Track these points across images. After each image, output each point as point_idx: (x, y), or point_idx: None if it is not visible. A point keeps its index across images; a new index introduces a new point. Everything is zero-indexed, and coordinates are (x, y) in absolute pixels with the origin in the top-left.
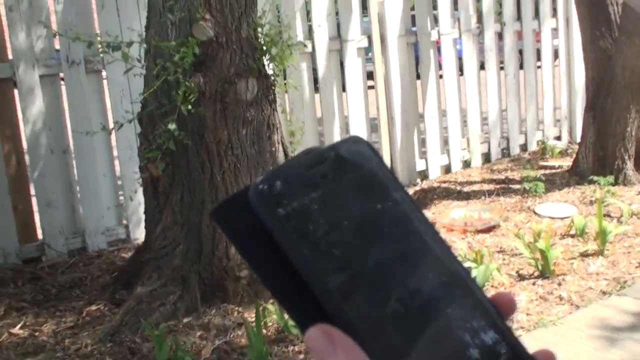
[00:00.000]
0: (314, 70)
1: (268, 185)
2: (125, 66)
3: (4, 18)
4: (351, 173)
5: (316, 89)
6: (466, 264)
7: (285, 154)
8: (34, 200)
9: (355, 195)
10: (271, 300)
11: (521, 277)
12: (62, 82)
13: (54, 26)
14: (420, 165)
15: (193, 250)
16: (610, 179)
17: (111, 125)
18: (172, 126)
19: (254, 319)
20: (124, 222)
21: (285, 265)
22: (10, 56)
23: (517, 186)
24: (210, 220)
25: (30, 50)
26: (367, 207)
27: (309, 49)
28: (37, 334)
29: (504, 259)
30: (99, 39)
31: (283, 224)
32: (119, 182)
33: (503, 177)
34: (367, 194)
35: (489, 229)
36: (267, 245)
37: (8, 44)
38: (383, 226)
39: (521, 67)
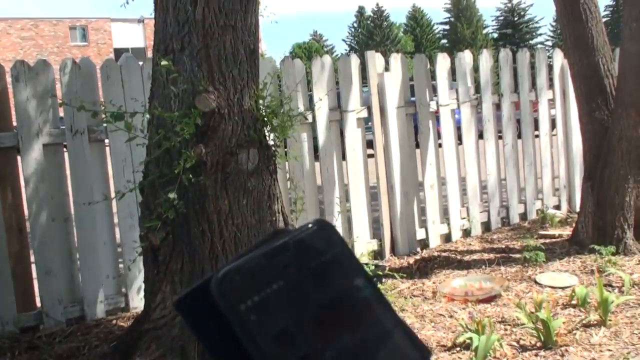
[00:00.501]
0: (315, 139)
1: (229, 277)
2: (127, 135)
3: (10, 87)
4: (313, 261)
5: (316, 157)
6: (467, 335)
7: (285, 224)
8: (33, 268)
9: (316, 285)
10: None
11: (523, 348)
12: (65, 150)
13: (59, 95)
14: (420, 234)
15: None
16: (612, 248)
17: (113, 193)
18: (172, 195)
19: None
20: (123, 290)
21: (247, 358)
22: (14, 125)
23: (518, 255)
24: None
25: (34, 119)
26: (327, 296)
27: (310, 119)
28: None
29: (505, 329)
30: (103, 108)
31: (243, 318)
32: (119, 250)
33: (503, 246)
34: (328, 282)
35: (490, 299)
36: (228, 337)
37: (13, 113)
38: (343, 315)
39: (519, 136)
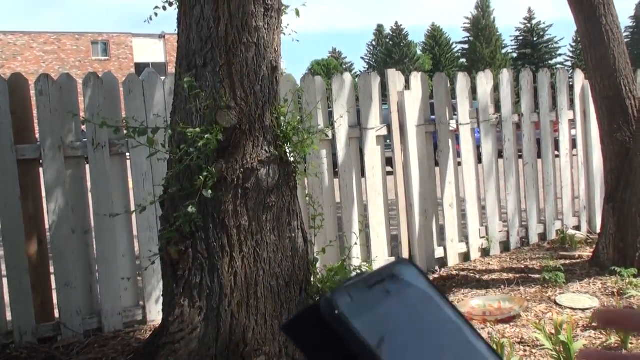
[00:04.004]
0: (334, 156)
1: (340, 300)
2: (149, 150)
3: (33, 100)
4: (408, 290)
5: (335, 174)
6: None
7: (305, 240)
8: (52, 279)
9: (416, 310)
10: None
11: None
12: (86, 163)
13: (82, 109)
14: (438, 253)
15: (210, 334)
16: (633, 270)
17: (132, 206)
18: (192, 209)
19: None
20: (141, 303)
21: None
22: (37, 138)
23: (537, 276)
24: (229, 305)
25: (57, 132)
26: (427, 319)
27: (330, 136)
28: None
29: (525, 351)
30: (124, 123)
31: (359, 335)
32: (138, 263)
33: (522, 267)
34: (425, 309)
35: (508, 319)
36: (338, 357)
37: (36, 126)
38: (444, 338)
39: (539, 156)
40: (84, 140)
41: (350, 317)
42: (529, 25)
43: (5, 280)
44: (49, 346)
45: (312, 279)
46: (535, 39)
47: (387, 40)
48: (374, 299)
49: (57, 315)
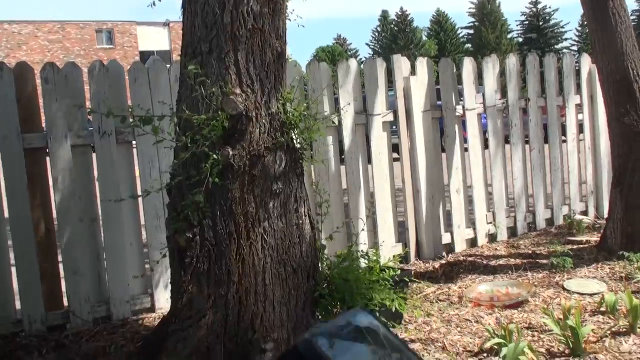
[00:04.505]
0: (340, 142)
1: (318, 341)
2: (155, 138)
3: (39, 90)
4: (373, 335)
5: (342, 161)
6: (495, 341)
7: (312, 227)
8: (61, 268)
9: (383, 351)
10: None
11: (552, 355)
12: (93, 151)
13: (88, 97)
14: (446, 239)
15: (219, 321)
16: None
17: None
18: (199, 198)
19: None
20: (149, 291)
21: None
22: (44, 126)
23: (545, 261)
24: (237, 292)
25: (63, 121)
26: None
27: (336, 123)
28: None
29: (533, 336)
30: (130, 112)
31: None
32: (145, 251)
33: (530, 252)
34: (391, 350)
35: (516, 305)
36: None
37: (42, 115)
38: None
39: (546, 141)
40: (91, 128)
41: (330, 357)
42: (534, 9)
43: (14, 270)
44: (59, 334)
45: (320, 265)
46: (541, 23)
47: (392, 26)
48: (348, 341)
49: (66, 303)
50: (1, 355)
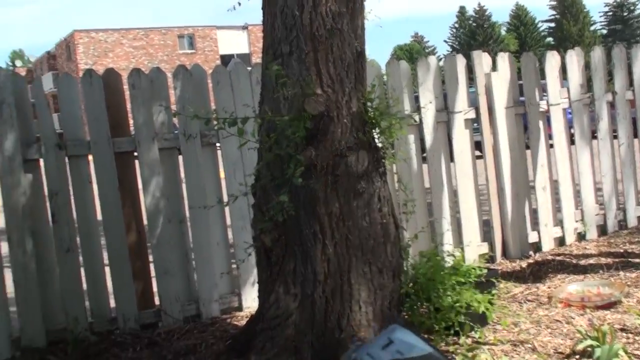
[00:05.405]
0: (421, 141)
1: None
2: (239, 140)
3: (126, 95)
4: (414, 351)
5: (423, 159)
6: (587, 342)
7: (397, 226)
8: (151, 268)
9: None
10: None
11: None
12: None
13: (172, 101)
14: (532, 237)
15: (305, 320)
16: None
17: (225, 196)
18: (284, 198)
19: None
20: (236, 290)
21: None
22: (132, 131)
23: (637, 260)
24: (323, 291)
25: (150, 124)
26: None
27: (417, 121)
28: None
29: (627, 338)
30: (214, 115)
31: None
32: (232, 251)
33: (621, 251)
34: None
35: (608, 305)
36: None
37: (130, 120)
38: None
39: (635, 136)
40: (176, 132)
41: None
42: (618, 0)
43: (107, 270)
44: (151, 332)
45: (404, 265)
46: (625, 14)
47: (470, 22)
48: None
49: (157, 302)
50: (97, 352)
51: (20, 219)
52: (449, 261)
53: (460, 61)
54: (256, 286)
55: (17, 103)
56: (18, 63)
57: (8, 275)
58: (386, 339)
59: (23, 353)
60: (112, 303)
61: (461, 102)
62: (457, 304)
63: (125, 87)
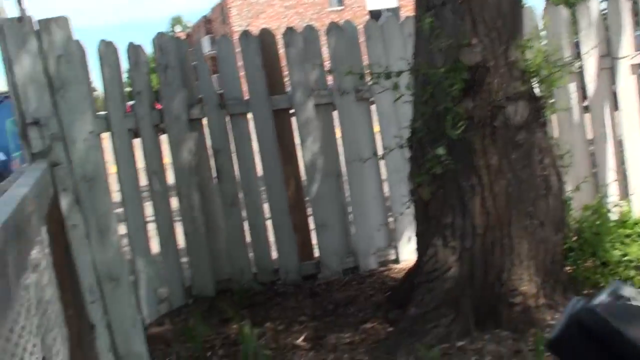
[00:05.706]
0: (582, 90)
1: (599, 316)
2: (393, 94)
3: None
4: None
5: (585, 108)
6: None
7: (559, 178)
8: (310, 221)
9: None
10: (548, 329)
11: None
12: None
13: (325, 58)
14: None
15: (464, 274)
16: None
17: (380, 150)
18: (441, 151)
19: (530, 348)
20: (393, 243)
21: None
22: (288, 88)
23: None
24: (482, 245)
25: (305, 82)
26: None
27: (578, 68)
28: (318, 347)
29: None
30: (369, 70)
31: (627, 337)
32: (387, 204)
33: None
34: None
35: None
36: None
37: (286, 78)
38: None
39: None
40: (331, 88)
41: (621, 328)
42: None
43: (269, 223)
44: (312, 283)
45: (567, 218)
46: None
47: None
48: (625, 312)
49: (316, 254)
50: (262, 301)
51: (187, 175)
52: (615, 213)
53: (625, 3)
54: (412, 240)
55: (180, 66)
56: (177, 28)
57: (179, 230)
58: (612, 293)
59: (195, 301)
60: (274, 255)
61: (626, 46)
62: (626, 258)
63: (279, 46)
